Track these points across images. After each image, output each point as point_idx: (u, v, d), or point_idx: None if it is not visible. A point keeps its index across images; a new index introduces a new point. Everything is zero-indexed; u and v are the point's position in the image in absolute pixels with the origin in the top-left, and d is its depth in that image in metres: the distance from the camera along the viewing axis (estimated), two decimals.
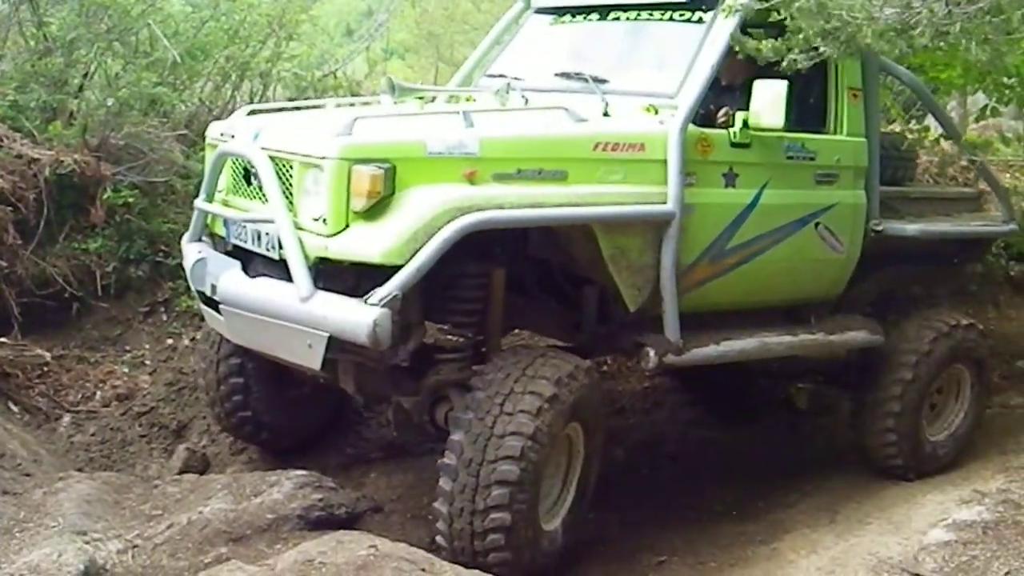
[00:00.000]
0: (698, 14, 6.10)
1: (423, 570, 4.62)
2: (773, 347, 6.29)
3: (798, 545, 6.12)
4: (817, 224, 6.28)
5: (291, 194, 5.18)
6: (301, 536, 5.21)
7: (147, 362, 7.35)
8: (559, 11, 6.90)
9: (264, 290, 5.22)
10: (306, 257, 4.99)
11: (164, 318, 7.60)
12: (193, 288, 5.85)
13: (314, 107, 6.84)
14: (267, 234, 5.30)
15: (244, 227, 5.54)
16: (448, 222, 4.87)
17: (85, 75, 8.09)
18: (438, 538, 5.28)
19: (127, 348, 7.42)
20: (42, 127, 7.54)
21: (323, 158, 4.96)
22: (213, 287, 5.51)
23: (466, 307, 5.52)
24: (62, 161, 7.31)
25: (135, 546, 5.00)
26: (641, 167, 5.56)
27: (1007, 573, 5.13)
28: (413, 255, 4.82)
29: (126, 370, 7.25)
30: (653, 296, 5.72)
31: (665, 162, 5.56)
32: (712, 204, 5.81)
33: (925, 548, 5.46)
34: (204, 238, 6.02)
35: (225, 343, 6.24)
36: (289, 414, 6.62)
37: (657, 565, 6.18)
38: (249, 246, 5.50)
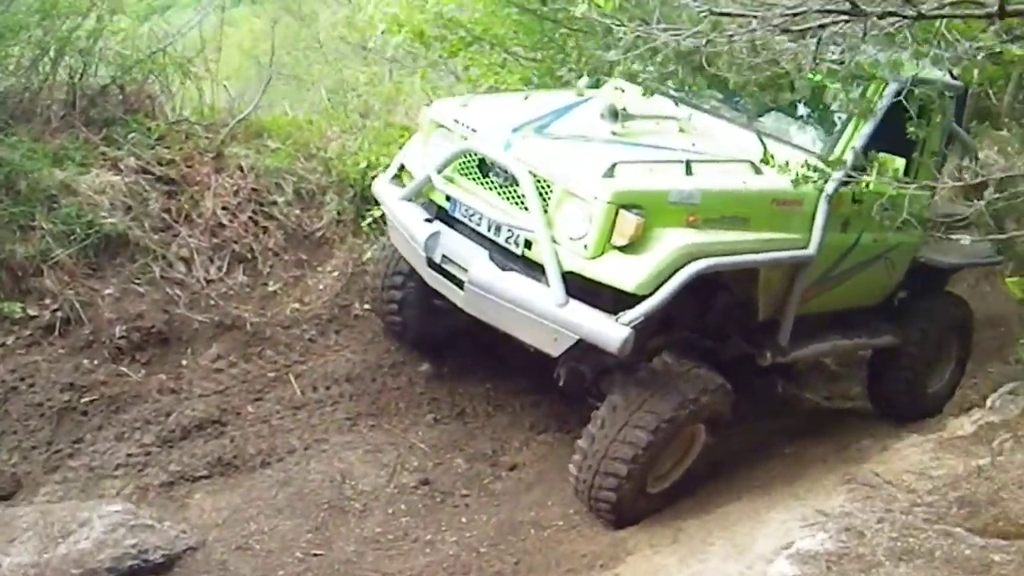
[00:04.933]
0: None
1: None
2: (839, 348, 7.98)
3: (640, 570, 5.98)
4: (887, 258, 7.66)
5: (545, 209, 6.24)
6: None
7: None
8: None
9: (518, 286, 6.30)
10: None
11: None
12: (420, 252, 6.78)
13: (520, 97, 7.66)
14: (509, 231, 6.42)
15: (478, 213, 6.58)
16: (684, 264, 6.03)
17: None
18: (571, 467, 6.56)
19: None
20: None
21: (595, 198, 6.01)
22: (444, 257, 6.67)
23: None
24: None
25: None
26: (797, 218, 6.73)
27: None
28: (656, 288, 5.96)
29: None
30: (776, 310, 7.01)
31: (814, 215, 6.74)
32: (831, 245, 6.96)
33: None
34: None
35: (394, 263, 7.67)
36: (431, 322, 7.81)
37: None
38: (483, 231, 6.60)
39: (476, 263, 6.48)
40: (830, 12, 4.08)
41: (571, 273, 6.13)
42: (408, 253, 7.11)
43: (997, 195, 5.31)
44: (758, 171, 6.71)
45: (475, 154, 6.69)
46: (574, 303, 6.10)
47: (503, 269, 6.43)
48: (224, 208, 8.17)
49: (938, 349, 8.57)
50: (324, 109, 11.18)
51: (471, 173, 6.75)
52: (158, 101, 8.80)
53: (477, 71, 9.49)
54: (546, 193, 6.29)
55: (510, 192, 6.50)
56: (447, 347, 7.99)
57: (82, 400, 6.84)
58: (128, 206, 7.75)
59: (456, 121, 6.93)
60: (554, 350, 6.33)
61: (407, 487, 6.91)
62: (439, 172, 6.81)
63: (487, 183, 6.66)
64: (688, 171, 6.37)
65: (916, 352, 8.30)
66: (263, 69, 12.28)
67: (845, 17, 4.12)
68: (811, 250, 6.77)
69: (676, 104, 7.40)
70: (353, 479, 6.84)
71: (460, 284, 6.58)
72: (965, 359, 8.98)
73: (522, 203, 6.38)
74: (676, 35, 4.40)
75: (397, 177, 7.39)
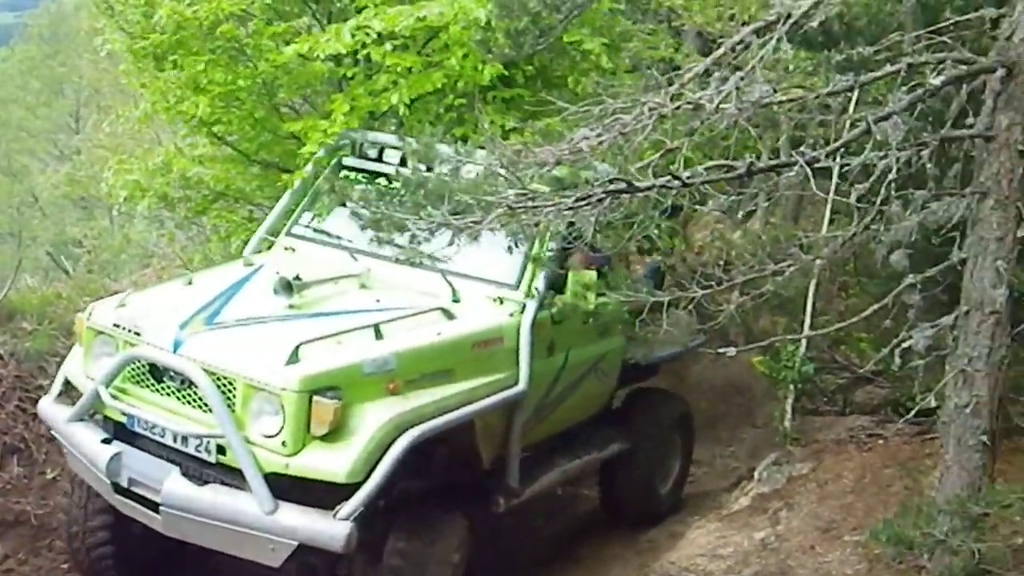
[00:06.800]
0: None
1: None
2: (571, 472, 7.57)
3: None
4: (597, 368, 7.54)
5: (232, 408, 5.67)
6: None
7: None
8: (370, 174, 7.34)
9: (219, 500, 5.67)
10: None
11: None
12: (103, 478, 6.01)
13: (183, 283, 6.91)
14: (197, 439, 5.78)
15: (159, 425, 5.90)
16: (394, 439, 5.60)
17: None
18: None
19: None
20: None
21: (283, 389, 5.53)
22: (131, 480, 5.93)
23: None
24: None
25: None
26: (502, 355, 6.48)
27: None
28: (370, 472, 5.51)
29: None
30: (500, 451, 6.64)
31: (517, 348, 6.51)
32: (541, 373, 6.73)
33: None
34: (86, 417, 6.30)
35: (94, 500, 6.50)
36: (141, 551, 6.75)
37: None
38: (169, 444, 5.89)
39: (168, 482, 5.82)
40: (611, 193, 4.59)
41: (275, 473, 5.61)
42: (91, 480, 6.29)
43: (742, 297, 5.82)
44: (451, 316, 6.46)
45: (143, 360, 6.08)
46: (285, 506, 5.57)
47: (201, 482, 5.81)
48: None
49: (664, 448, 8.40)
50: (63, 277, 10.94)
51: (144, 381, 6.09)
52: None
53: (226, 227, 9.56)
54: (230, 391, 5.73)
55: (190, 395, 5.90)
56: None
57: None
58: None
59: (116, 325, 6.23)
60: (274, 561, 5.72)
61: None
62: (107, 386, 6.11)
63: (163, 389, 6.01)
64: (378, 335, 6.02)
65: (643, 453, 8.14)
66: None
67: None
68: (522, 386, 6.52)
69: (354, 257, 6.91)
70: None
71: (155, 507, 5.88)
72: (689, 456, 8.90)
73: (206, 406, 5.77)
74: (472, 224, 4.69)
75: (65, 393, 6.60)
